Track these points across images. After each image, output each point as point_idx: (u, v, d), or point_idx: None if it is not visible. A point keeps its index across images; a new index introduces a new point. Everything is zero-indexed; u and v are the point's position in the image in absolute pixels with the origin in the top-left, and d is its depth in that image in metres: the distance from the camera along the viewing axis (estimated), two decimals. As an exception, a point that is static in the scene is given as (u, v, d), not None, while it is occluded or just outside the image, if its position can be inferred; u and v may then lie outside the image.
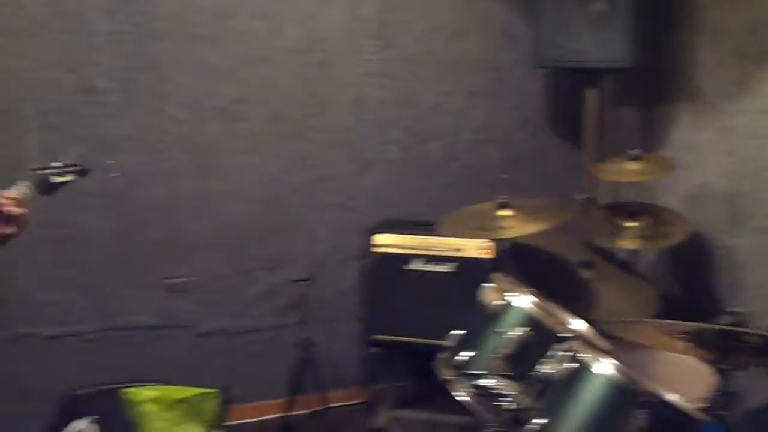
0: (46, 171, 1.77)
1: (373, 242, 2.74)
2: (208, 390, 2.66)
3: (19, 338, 2.66)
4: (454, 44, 2.90)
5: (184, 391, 2.62)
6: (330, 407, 2.84)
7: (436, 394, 2.75)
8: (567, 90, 3.06)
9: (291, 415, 2.77)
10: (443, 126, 2.96)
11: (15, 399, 2.70)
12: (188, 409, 2.62)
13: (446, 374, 1.81)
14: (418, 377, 3.07)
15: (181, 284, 2.78)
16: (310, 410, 2.92)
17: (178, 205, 2.71)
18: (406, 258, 2.71)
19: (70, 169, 1.82)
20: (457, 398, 1.74)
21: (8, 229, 1.61)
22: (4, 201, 1.62)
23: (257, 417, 2.92)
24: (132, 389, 2.57)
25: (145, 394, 2.56)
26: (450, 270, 2.67)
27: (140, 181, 2.67)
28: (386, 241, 2.74)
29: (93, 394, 2.75)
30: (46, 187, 1.76)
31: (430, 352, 1.91)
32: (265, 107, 2.72)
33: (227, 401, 2.73)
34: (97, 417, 2.33)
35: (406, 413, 2.90)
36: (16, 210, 1.61)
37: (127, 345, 2.79)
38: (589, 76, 2.79)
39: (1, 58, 2.44)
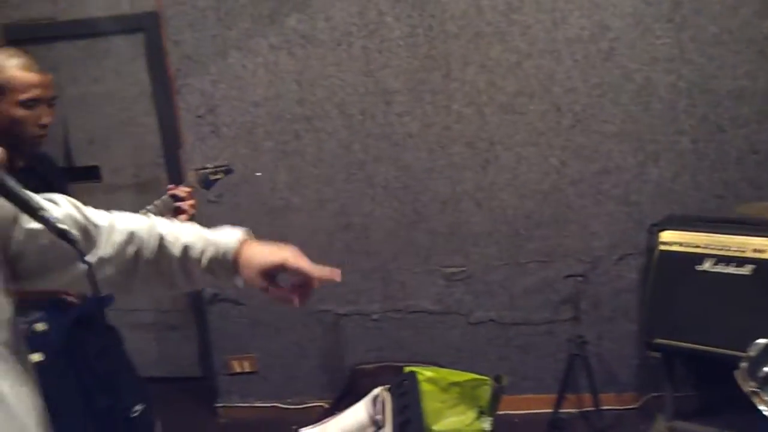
0: (206, 170, 2.28)
1: (658, 239, 2.75)
2: (481, 376, 2.99)
3: (318, 314, 3.27)
4: (761, 20, 2.78)
5: (458, 375, 2.97)
6: (601, 409, 2.93)
7: (724, 408, 2.79)
8: None
9: (560, 413, 2.95)
10: (745, 113, 2.85)
11: (315, 366, 3.39)
12: (462, 392, 2.97)
13: (748, 386, 1.86)
14: (703, 387, 3.07)
15: (457, 273, 3.18)
16: (580, 410, 3.10)
17: (459, 197, 3.04)
18: (697, 258, 2.68)
19: (221, 168, 2.33)
20: (764, 413, 1.80)
21: (181, 218, 2.11)
22: (182, 194, 2.13)
23: (526, 410, 3.17)
24: (412, 368, 3.03)
25: (423, 373, 2.98)
26: (748, 273, 2.58)
27: (423, 175, 3.05)
28: (674, 239, 2.74)
29: (377, 369, 3.31)
30: (206, 183, 2.28)
31: (721, 361, 1.92)
32: (545, 99, 2.90)
33: (499, 390, 3.05)
34: (389, 387, 2.78)
35: (686, 425, 2.89)
36: (190, 201, 2.13)
37: (406, 327, 3.22)
38: None
39: (311, 66, 3.00)
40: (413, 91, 2.98)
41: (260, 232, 3.21)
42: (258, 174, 3.11)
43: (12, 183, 0.94)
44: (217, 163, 2.35)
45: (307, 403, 3.36)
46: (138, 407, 2.21)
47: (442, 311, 3.21)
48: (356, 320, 3.28)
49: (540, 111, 2.94)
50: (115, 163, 3.64)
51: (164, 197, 2.09)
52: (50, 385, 1.85)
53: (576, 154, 2.97)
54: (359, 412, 2.47)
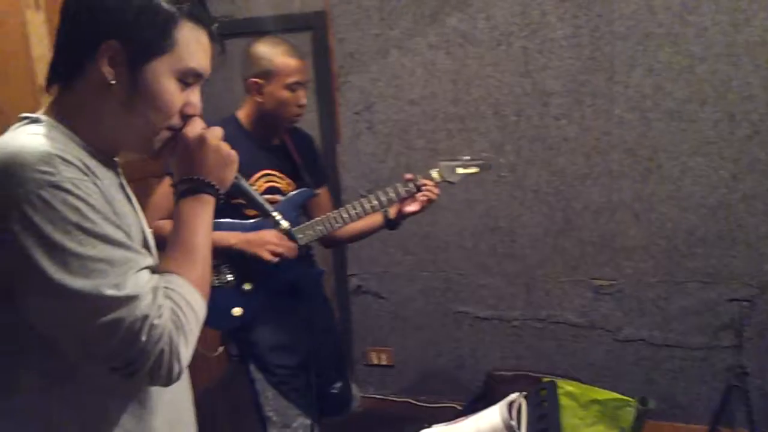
0: (455, 162, 2.23)
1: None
2: (625, 397, 2.82)
3: (457, 315, 3.26)
4: None
5: (600, 392, 2.78)
6: (761, 449, 2.71)
7: None
8: None
9: (712, 447, 2.77)
10: None
11: (450, 367, 3.37)
12: (603, 411, 2.78)
13: None
14: None
15: (607, 287, 3.03)
16: (735, 447, 2.90)
17: (614, 207, 2.90)
18: None
19: (475, 162, 2.26)
20: None
21: (413, 207, 2.16)
22: (423, 183, 2.15)
23: (672, 439, 2.98)
24: (548, 377, 2.92)
25: (562, 386, 2.85)
26: None
27: (577, 182, 2.94)
28: None
29: (514, 377, 3.23)
30: (451, 176, 2.23)
31: None
32: (719, 107, 2.69)
33: (644, 413, 2.86)
34: (526, 394, 2.69)
35: None
36: (433, 192, 2.14)
37: (547, 337, 3.13)
38: None
39: (468, 65, 3.00)
40: (573, 94, 2.88)
41: (406, 230, 3.24)
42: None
43: (247, 187, 1.20)
44: (471, 156, 2.29)
45: (439, 403, 3.36)
46: (338, 384, 2.33)
47: (587, 325, 3.08)
48: (495, 325, 3.22)
49: (712, 119, 2.73)
50: (276, 154, 3.83)
51: (406, 183, 2.16)
52: (246, 339, 2.13)
53: (751, 167, 2.72)
54: (494, 415, 2.42)
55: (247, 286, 2.06)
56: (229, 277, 2.04)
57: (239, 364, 2.22)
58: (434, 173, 2.22)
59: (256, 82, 2.05)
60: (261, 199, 1.23)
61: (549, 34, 2.86)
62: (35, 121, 0.99)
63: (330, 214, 2.13)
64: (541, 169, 3.01)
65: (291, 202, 2.14)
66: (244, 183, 1.19)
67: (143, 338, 0.88)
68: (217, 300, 2.02)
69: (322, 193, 2.31)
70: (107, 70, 0.98)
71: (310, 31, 3.42)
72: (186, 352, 0.94)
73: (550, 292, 3.11)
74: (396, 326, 3.38)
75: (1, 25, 2.58)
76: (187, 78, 1.04)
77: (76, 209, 0.87)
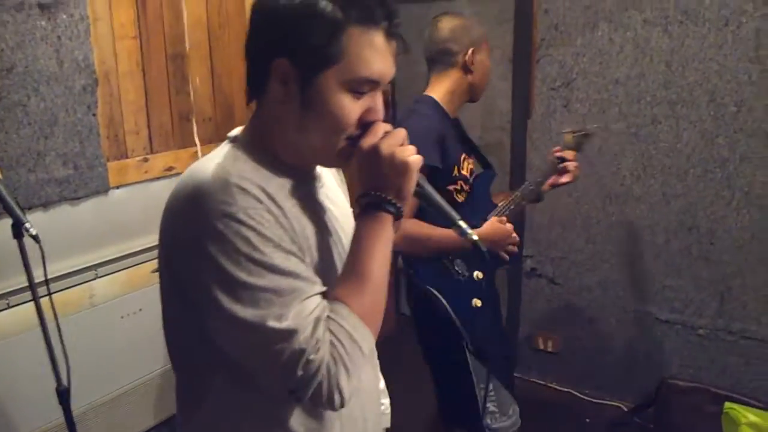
0: (580, 133, 2.15)
1: None
2: (824, 437, 2.50)
3: (636, 313, 3.05)
4: None
5: (793, 427, 2.53)
6: None
7: None
8: None
9: None
10: None
11: (621, 365, 3.17)
12: (790, 448, 2.52)
13: None
14: None
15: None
16: None
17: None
18: None
19: (590, 131, 2.17)
20: None
21: (563, 179, 2.09)
22: (569, 156, 2.08)
23: None
24: (732, 404, 2.64)
25: (745, 415, 2.56)
26: None
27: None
28: None
29: (691, 389, 2.98)
30: (581, 147, 2.16)
31: None
32: None
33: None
34: None
35: None
36: (575, 163, 2.08)
37: (736, 353, 2.84)
38: None
39: (687, 45, 2.70)
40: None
41: (591, 217, 3.08)
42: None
43: (431, 193, 1.10)
44: (588, 126, 2.30)
45: (604, 400, 3.22)
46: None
47: (788, 346, 2.75)
48: (678, 331, 2.99)
49: None
50: (465, 121, 3.80)
51: (551, 158, 2.13)
52: (481, 329, 2.06)
53: None
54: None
55: (478, 275, 2.02)
56: (466, 271, 2.01)
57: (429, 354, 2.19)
58: (567, 144, 2.16)
59: (474, 52, 2.03)
60: (447, 206, 1.12)
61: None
62: (233, 140, 1.03)
63: (503, 203, 2.09)
64: (758, 167, 2.69)
65: (485, 188, 2.12)
66: (429, 189, 1.09)
67: (300, 372, 0.88)
68: (462, 293, 1.99)
69: None
70: (278, 90, 0.97)
71: (515, -2, 3.31)
72: (347, 384, 0.93)
73: (747, 305, 2.81)
74: (567, 315, 3.26)
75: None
76: (360, 88, 0.97)
77: (247, 240, 0.88)
